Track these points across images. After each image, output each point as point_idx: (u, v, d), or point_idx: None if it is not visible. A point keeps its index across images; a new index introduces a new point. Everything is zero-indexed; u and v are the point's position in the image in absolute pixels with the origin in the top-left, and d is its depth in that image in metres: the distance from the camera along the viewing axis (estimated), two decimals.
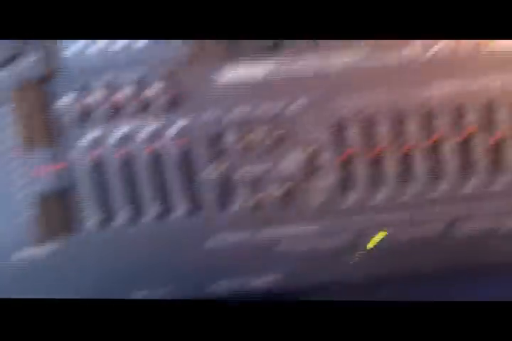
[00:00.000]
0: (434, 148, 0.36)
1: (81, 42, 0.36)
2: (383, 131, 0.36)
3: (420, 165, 0.36)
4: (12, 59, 0.36)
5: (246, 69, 0.36)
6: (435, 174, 0.36)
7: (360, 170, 0.36)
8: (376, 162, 0.36)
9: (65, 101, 0.36)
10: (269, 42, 0.36)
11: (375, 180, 0.36)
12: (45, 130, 0.36)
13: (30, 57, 0.36)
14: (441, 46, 0.36)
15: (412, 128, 0.36)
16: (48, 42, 0.37)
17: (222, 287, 0.37)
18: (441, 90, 0.36)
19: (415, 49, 0.36)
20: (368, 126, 0.36)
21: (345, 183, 0.36)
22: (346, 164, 0.36)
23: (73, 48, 0.36)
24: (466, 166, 0.36)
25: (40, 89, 0.36)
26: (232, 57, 0.36)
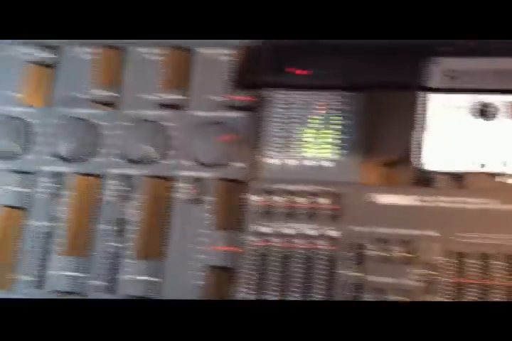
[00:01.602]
0: None
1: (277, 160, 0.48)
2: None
3: None
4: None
5: (399, 196, 0.45)
6: None
7: None
8: None
9: (255, 199, 0.47)
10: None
11: None
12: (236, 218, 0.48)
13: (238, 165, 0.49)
14: None
15: None
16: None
17: None
18: None
19: None
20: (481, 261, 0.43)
21: None
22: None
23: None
24: None
25: (240, 187, 0.48)
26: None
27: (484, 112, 0.47)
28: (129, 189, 0.50)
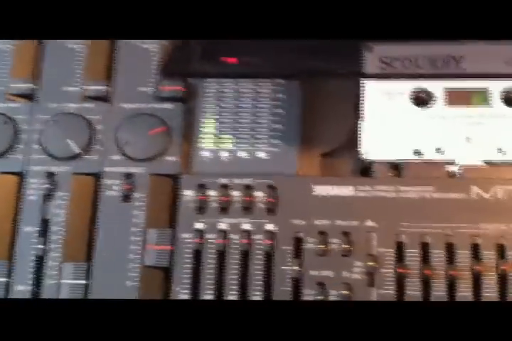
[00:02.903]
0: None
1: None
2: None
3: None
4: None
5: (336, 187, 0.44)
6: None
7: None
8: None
9: (188, 194, 0.45)
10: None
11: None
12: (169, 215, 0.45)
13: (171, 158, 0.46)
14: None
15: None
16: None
17: None
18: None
19: None
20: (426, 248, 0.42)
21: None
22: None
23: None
24: None
25: (171, 181, 0.46)
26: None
27: (420, 99, 0.47)
28: (52, 187, 0.47)
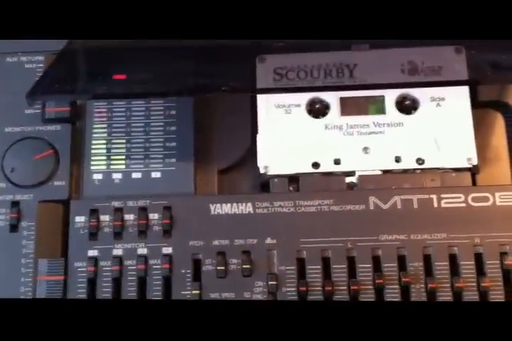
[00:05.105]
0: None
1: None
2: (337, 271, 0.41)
3: None
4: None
5: (234, 205, 0.42)
6: None
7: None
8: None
9: (79, 220, 0.42)
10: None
11: None
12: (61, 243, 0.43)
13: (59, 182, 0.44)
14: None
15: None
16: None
17: None
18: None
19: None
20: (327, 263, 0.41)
21: None
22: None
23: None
24: None
25: (62, 208, 0.43)
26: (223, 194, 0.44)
27: (316, 110, 0.46)
28: None
